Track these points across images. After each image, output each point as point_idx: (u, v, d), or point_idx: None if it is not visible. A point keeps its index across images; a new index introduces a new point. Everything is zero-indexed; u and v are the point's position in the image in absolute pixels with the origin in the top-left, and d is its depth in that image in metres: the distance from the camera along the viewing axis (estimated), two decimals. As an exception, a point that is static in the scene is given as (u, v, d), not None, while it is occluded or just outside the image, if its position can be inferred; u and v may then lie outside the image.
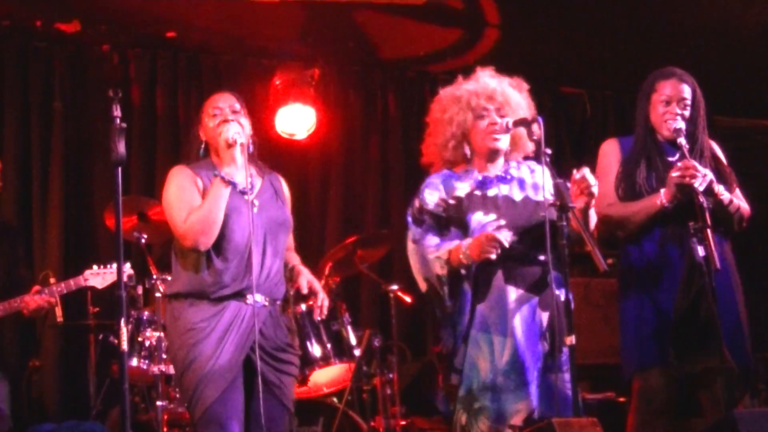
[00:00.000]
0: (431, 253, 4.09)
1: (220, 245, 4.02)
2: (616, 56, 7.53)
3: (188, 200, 4.06)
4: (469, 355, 4.03)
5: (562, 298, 3.94)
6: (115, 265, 5.08)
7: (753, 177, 4.82)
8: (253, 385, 3.98)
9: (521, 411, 3.94)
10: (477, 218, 4.09)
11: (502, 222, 4.07)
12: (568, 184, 3.96)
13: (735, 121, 8.02)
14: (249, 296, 4.02)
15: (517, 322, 3.99)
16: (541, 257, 4.04)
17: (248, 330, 3.99)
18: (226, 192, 4.01)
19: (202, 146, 4.26)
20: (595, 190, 3.92)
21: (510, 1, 6.73)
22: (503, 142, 4.21)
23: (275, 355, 4.09)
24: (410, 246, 4.20)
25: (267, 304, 4.08)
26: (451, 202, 4.16)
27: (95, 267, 5.28)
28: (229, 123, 4.11)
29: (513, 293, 4.03)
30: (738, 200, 4.46)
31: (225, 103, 4.21)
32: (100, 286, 5.30)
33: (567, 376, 3.99)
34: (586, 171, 3.92)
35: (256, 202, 4.12)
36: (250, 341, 4.00)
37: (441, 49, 7.25)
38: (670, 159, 4.37)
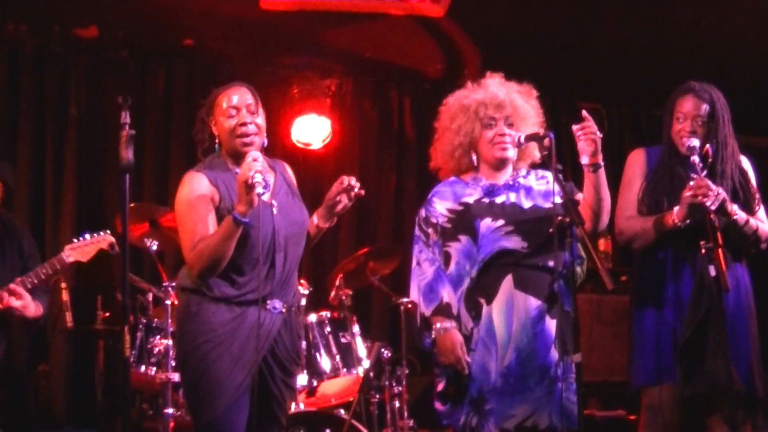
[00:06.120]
0: (423, 302, 4.13)
1: (242, 249, 3.83)
2: (635, 72, 7.50)
3: (200, 223, 3.84)
4: (478, 357, 4.01)
5: (566, 308, 4.00)
6: (94, 235, 5.09)
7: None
8: (257, 395, 3.89)
9: (515, 416, 3.95)
10: (486, 224, 4.09)
11: (511, 228, 4.07)
12: (580, 195, 4.04)
13: (755, 140, 7.91)
14: (269, 302, 3.87)
15: (524, 328, 3.99)
16: (550, 263, 4.05)
17: (265, 338, 3.85)
18: (237, 232, 3.76)
19: (216, 143, 4.02)
20: (597, 135, 4.00)
21: (529, 16, 6.71)
22: (511, 152, 4.21)
23: (286, 367, 3.98)
24: (413, 264, 4.20)
25: (284, 310, 3.93)
26: (459, 208, 4.15)
27: (74, 240, 5.11)
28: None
29: (522, 299, 4.02)
30: (757, 221, 4.40)
31: (242, 101, 3.96)
32: (84, 260, 5.10)
33: (573, 387, 3.95)
34: (585, 116, 4.01)
35: (274, 203, 3.93)
36: (265, 350, 3.87)
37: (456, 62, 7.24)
38: (693, 175, 4.29)
